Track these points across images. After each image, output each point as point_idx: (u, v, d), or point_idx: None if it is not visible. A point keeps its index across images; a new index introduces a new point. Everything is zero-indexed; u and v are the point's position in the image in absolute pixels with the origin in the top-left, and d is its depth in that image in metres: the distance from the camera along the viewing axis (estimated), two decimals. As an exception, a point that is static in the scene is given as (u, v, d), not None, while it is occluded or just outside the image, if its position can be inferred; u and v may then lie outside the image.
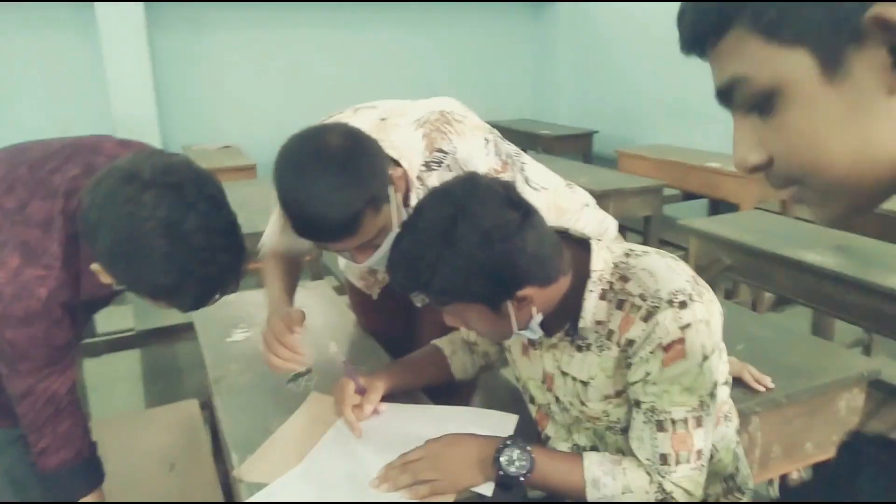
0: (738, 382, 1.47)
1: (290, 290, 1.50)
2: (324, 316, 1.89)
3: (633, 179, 4.15)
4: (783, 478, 1.57)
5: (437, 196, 1.07)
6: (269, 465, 1.22)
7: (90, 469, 1.25)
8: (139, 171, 0.99)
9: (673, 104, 6.08)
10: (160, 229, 0.96)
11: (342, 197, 1.09)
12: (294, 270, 1.56)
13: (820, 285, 2.37)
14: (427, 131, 1.32)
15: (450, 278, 1.02)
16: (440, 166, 1.32)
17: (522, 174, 1.39)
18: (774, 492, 1.56)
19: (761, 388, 1.48)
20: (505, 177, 1.33)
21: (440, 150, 1.32)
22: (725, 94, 0.53)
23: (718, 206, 4.65)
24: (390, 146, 1.27)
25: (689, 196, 4.96)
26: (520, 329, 1.11)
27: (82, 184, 1.06)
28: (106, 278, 1.06)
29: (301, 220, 1.13)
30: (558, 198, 1.41)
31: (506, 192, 1.05)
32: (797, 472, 1.58)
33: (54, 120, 5.29)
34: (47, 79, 5.62)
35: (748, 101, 0.52)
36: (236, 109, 6.06)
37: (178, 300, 1.03)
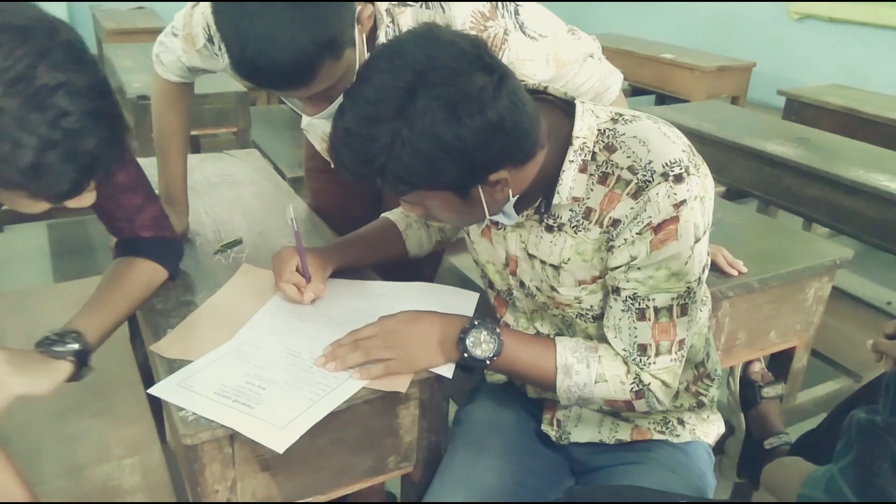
0: (711, 266, 1.37)
1: (185, 160, 1.44)
2: (256, 185, 1.68)
3: (586, 66, 3.94)
4: (745, 366, 1.53)
5: (387, 58, 0.84)
6: (192, 341, 1.05)
7: None
8: None
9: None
10: (3, 86, 0.69)
11: (295, 37, 0.86)
12: (188, 124, 1.45)
13: (779, 176, 2.31)
14: None
15: (409, 164, 0.83)
16: (416, 1, 1.10)
17: (516, 19, 1.16)
18: (735, 381, 1.52)
19: (734, 273, 1.40)
20: (493, 25, 1.12)
21: None
22: None
23: (665, 102, 4.55)
24: None
25: (637, 91, 4.84)
26: (492, 214, 0.95)
27: None
28: None
29: (243, 62, 0.90)
30: (559, 47, 1.20)
31: (475, 52, 0.84)
32: (759, 361, 1.53)
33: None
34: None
35: None
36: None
37: (43, 184, 0.74)
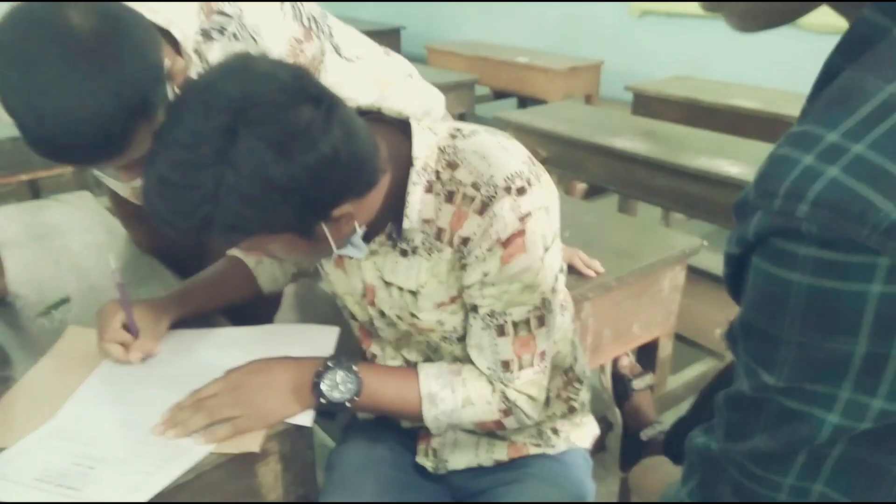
0: (569, 269, 1.39)
1: None
2: (87, 233, 1.53)
3: (446, 74, 3.99)
4: (614, 362, 1.56)
5: (198, 96, 0.75)
6: (11, 424, 0.91)
7: None
8: None
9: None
10: None
11: (103, 107, 0.76)
12: None
13: (630, 170, 2.40)
14: None
15: (239, 211, 0.74)
16: (223, 34, 1.03)
17: (331, 42, 1.12)
18: (606, 377, 1.55)
19: (592, 274, 1.42)
20: (310, 47, 1.07)
21: (221, 13, 1.03)
22: None
23: (526, 104, 4.69)
24: (151, 10, 0.95)
25: (498, 95, 4.95)
26: (339, 248, 0.89)
27: None
28: None
29: (41, 141, 0.78)
30: (378, 68, 1.17)
31: (298, 83, 0.77)
32: (626, 355, 1.57)
33: None
34: None
35: None
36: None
37: None
